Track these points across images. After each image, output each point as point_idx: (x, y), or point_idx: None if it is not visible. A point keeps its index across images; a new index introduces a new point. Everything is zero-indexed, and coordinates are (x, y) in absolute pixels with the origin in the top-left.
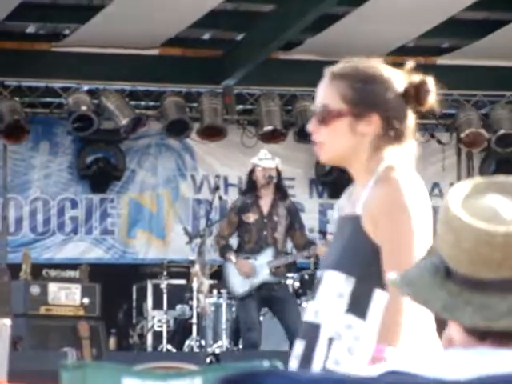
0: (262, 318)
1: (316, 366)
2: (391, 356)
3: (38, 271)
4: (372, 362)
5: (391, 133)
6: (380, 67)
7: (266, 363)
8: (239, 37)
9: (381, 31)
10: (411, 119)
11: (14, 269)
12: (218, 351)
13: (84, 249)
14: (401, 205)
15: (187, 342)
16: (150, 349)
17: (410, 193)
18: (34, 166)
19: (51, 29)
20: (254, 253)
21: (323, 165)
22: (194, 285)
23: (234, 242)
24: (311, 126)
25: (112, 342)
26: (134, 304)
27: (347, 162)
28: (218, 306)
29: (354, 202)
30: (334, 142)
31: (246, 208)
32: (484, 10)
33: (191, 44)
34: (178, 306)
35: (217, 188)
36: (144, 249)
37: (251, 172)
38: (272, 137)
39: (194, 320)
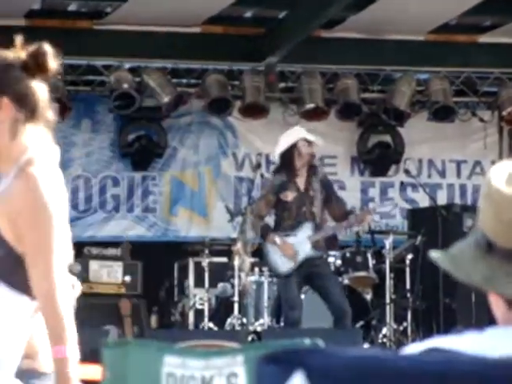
0: (303, 296)
1: None
2: (72, 354)
3: (80, 249)
4: (56, 363)
5: (25, 113)
6: None
7: (307, 341)
8: (281, 15)
9: (423, 9)
10: (42, 92)
11: None
12: (259, 329)
13: (126, 226)
14: (41, 205)
15: (229, 320)
16: (191, 327)
17: (48, 189)
18: (75, 143)
19: (93, 7)
20: (293, 229)
21: (365, 142)
22: (236, 263)
23: (269, 220)
24: None
25: (153, 319)
26: (176, 282)
27: None
28: (259, 284)
29: None
30: None
31: (284, 187)
32: None
33: (233, 22)
34: (220, 284)
35: (258, 166)
36: (186, 226)
37: (291, 148)
38: (314, 114)
39: (236, 298)
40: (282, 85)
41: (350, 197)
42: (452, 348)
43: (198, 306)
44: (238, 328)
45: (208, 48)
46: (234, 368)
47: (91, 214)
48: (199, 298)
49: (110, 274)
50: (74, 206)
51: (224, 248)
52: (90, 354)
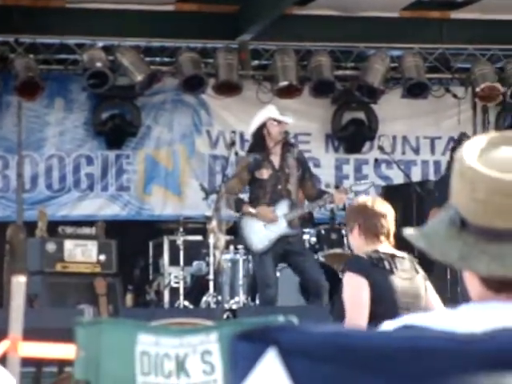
0: (278, 274)
1: None
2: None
3: (54, 228)
4: None
5: None
6: None
7: (281, 318)
8: None
9: None
10: None
11: (30, 226)
12: (234, 307)
13: (100, 205)
14: None
15: (204, 298)
16: (166, 305)
17: None
18: (49, 122)
19: None
20: (268, 207)
21: (339, 120)
22: (211, 241)
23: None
24: None
25: (129, 298)
26: (151, 260)
27: None
28: (234, 262)
29: None
30: None
31: (258, 164)
32: None
33: None
34: (195, 263)
35: (233, 143)
36: (160, 205)
37: (262, 126)
38: (287, 92)
39: (211, 276)
40: (256, 62)
41: (325, 174)
42: (425, 325)
43: (173, 285)
44: (213, 306)
45: (181, 26)
46: (208, 345)
47: (65, 193)
48: (174, 276)
49: (85, 253)
50: (48, 185)
51: (199, 226)
52: (65, 333)
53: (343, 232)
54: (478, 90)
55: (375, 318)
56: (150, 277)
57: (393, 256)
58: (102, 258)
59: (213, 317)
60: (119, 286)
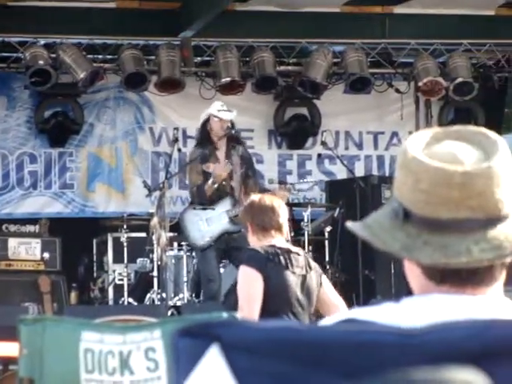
0: (222, 270)
1: None
2: None
3: None
4: None
5: None
6: None
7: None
8: None
9: None
10: None
11: None
12: (179, 304)
13: (44, 203)
14: None
15: (148, 295)
16: (111, 302)
17: None
18: None
19: None
20: (211, 203)
21: (282, 115)
22: (155, 238)
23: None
24: None
25: (73, 296)
26: (95, 258)
27: None
28: (178, 259)
29: None
30: None
31: (206, 158)
32: None
33: None
34: (139, 260)
35: (175, 140)
36: (104, 202)
37: (205, 122)
38: (230, 88)
39: (155, 273)
40: (198, 59)
41: (268, 170)
42: (368, 319)
43: (118, 282)
44: (157, 303)
45: (123, 23)
46: (152, 342)
47: (8, 191)
48: (118, 273)
49: (29, 250)
50: None
51: (142, 223)
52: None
53: None
54: (420, 84)
55: (268, 312)
56: (94, 274)
57: (288, 251)
58: (46, 255)
59: (157, 314)
60: (63, 284)
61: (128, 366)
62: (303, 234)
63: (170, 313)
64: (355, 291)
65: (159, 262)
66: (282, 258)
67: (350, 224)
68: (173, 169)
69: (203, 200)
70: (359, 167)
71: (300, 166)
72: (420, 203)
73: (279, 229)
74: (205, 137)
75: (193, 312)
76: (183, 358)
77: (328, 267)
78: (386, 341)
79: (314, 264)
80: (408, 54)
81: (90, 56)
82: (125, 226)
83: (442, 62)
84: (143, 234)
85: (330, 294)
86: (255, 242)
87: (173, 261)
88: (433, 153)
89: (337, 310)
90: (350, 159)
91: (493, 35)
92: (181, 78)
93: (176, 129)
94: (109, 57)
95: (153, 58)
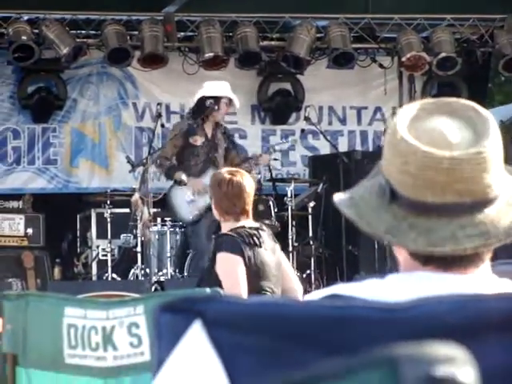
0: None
1: None
2: None
3: None
4: None
5: None
6: None
7: (207, 290)
8: None
9: None
10: None
11: None
12: (162, 279)
13: (27, 179)
14: None
15: (132, 271)
16: (94, 278)
17: None
18: None
19: None
20: (199, 175)
21: (265, 91)
22: (138, 214)
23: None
24: None
25: (57, 271)
26: (78, 233)
27: None
28: (162, 234)
29: None
30: None
31: (193, 131)
32: None
33: None
34: (122, 235)
35: (159, 115)
36: (87, 178)
37: (204, 98)
38: (213, 63)
39: (139, 249)
40: (181, 34)
41: (251, 145)
42: (352, 294)
43: (101, 257)
44: (141, 278)
45: None
46: (135, 318)
47: None
48: (102, 249)
49: (12, 226)
50: None
51: (126, 199)
52: None
53: (270, 203)
54: (404, 59)
55: (250, 291)
56: (78, 250)
57: (257, 229)
58: (30, 231)
59: (141, 289)
60: (47, 260)
61: (111, 342)
62: (287, 210)
63: (153, 288)
64: (339, 267)
65: (142, 238)
66: (254, 238)
67: (336, 198)
68: (156, 144)
69: (162, 173)
70: (343, 142)
71: None
72: (407, 185)
73: (247, 213)
74: (202, 111)
75: (176, 287)
76: (165, 334)
77: (311, 242)
78: (370, 316)
79: (274, 238)
80: (391, 29)
81: (73, 31)
82: (108, 202)
83: (426, 37)
84: (127, 210)
85: (287, 268)
86: (222, 222)
87: (156, 236)
88: (421, 131)
89: (292, 283)
90: (334, 134)
91: (476, 10)
92: (164, 54)
93: (159, 104)
94: (92, 32)
95: (136, 33)
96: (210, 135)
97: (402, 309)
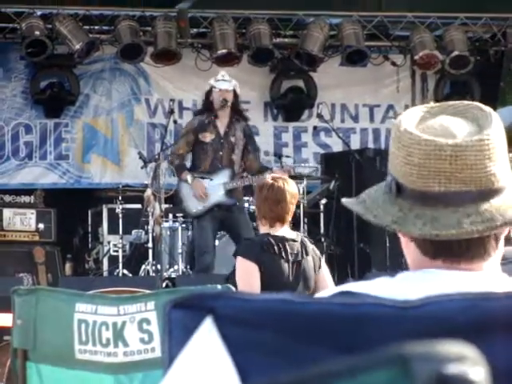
0: (217, 242)
1: None
2: None
3: None
4: None
5: None
6: None
7: (218, 286)
8: None
9: None
10: None
11: None
12: (173, 275)
13: (39, 174)
14: None
15: (143, 267)
16: (105, 273)
17: None
18: None
19: None
20: (209, 173)
21: (278, 88)
22: (150, 209)
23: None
24: None
25: (68, 267)
26: (90, 229)
27: None
28: (173, 230)
29: None
30: None
31: (203, 127)
32: None
33: None
34: (134, 231)
35: (171, 112)
36: (99, 173)
37: (208, 92)
38: (226, 60)
39: (150, 245)
40: (194, 30)
41: (264, 142)
42: (362, 292)
43: (113, 253)
44: (152, 274)
45: None
46: (146, 314)
47: (4, 161)
48: (113, 244)
49: (24, 221)
50: None
51: (137, 194)
52: (3, 302)
53: None
54: (416, 57)
55: None
56: (89, 245)
57: (283, 239)
58: (41, 226)
59: (152, 285)
60: (58, 255)
61: (122, 338)
62: (298, 207)
63: (164, 284)
64: (350, 264)
65: (154, 234)
66: (275, 247)
67: (344, 200)
68: (168, 140)
69: (171, 168)
70: (355, 140)
71: (296, 139)
72: (412, 176)
73: (282, 220)
74: (207, 106)
75: (187, 284)
76: (176, 330)
77: (323, 240)
78: (381, 313)
79: (311, 248)
80: (404, 27)
81: (86, 27)
82: (120, 198)
83: (439, 36)
84: (138, 206)
85: (327, 279)
86: (260, 226)
87: (168, 232)
88: (425, 127)
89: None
90: (346, 132)
91: (489, 9)
92: (177, 50)
93: (172, 100)
94: (105, 28)
95: (149, 29)
96: (222, 132)
97: (413, 306)
